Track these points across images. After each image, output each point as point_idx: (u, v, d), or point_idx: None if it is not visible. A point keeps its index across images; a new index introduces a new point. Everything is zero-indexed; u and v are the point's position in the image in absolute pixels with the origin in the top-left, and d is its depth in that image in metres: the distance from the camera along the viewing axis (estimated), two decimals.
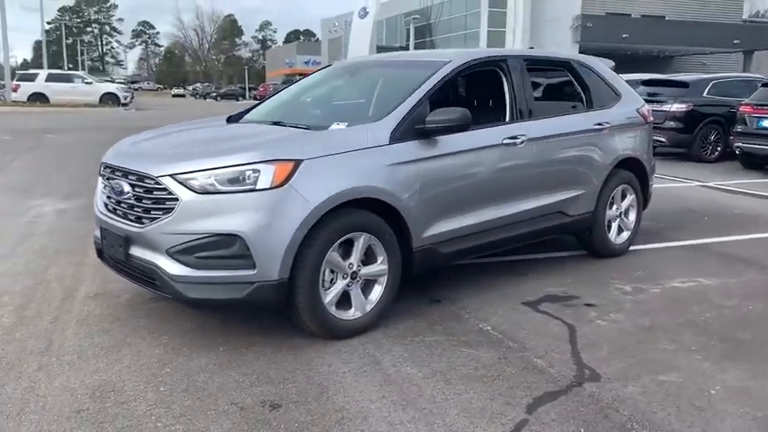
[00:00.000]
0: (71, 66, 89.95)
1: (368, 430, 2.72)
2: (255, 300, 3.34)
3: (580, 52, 36.91)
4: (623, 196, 5.42)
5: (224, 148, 3.64)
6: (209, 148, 3.72)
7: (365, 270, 3.70)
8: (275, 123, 4.28)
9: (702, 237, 6.14)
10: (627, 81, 13.20)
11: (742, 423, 2.81)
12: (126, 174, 3.61)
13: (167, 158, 3.53)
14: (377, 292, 3.78)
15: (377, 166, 3.67)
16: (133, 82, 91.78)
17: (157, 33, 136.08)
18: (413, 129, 3.87)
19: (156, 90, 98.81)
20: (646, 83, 13.18)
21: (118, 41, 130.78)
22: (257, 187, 3.30)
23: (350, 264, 3.62)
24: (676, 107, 12.08)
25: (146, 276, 3.49)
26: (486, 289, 4.51)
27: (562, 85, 5.23)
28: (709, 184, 9.66)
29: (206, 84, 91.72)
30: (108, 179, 3.79)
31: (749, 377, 3.24)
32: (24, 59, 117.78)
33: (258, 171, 3.32)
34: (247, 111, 4.90)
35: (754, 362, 3.42)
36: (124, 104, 30.31)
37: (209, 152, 3.55)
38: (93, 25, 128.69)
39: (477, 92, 5.16)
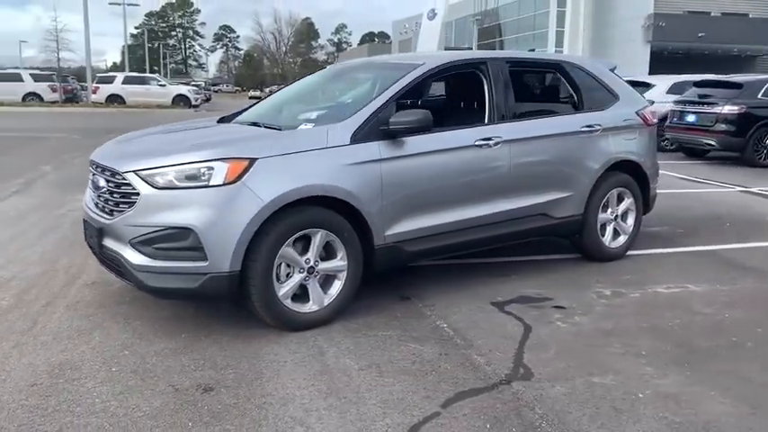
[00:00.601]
0: (155, 68, 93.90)
1: (283, 415, 2.87)
2: (209, 290, 3.54)
3: (652, 52, 35.84)
4: (620, 199, 5.34)
5: (186, 146, 3.86)
6: (174, 146, 3.96)
7: (323, 265, 3.85)
8: (253, 124, 4.48)
9: (714, 243, 5.96)
10: (678, 82, 12.85)
11: (655, 426, 2.79)
12: (103, 170, 3.90)
13: (134, 156, 3.79)
14: (336, 287, 3.92)
15: (335, 166, 3.81)
16: (214, 84, 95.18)
17: (237, 37, 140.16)
18: (378, 130, 3.99)
19: (235, 92, 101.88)
20: (697, 84, 12.74)
21: (200, 45, 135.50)
22: (211, 184, 3.51)
23: (307, 259, 3.77)
24: (728, 109, 11.61)
25: (115, 265, 3.76)
26: (461, 288, 4.57)
27: (551, 87, 5.22)
28: (753, 189, 9.27)
29: (282, 85, 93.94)
30: (92, 175, 4.09)
31: (687, 383, 3.19)
32: (114, 63, 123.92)
33: (212, 168, 3.52)
34: (240, 112, 5.13)
35: (699, 369, 3.36)
36: (194, 106, 31.54)
37: (171, 150, 3.78)
38: (178, 29, 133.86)
39: (455, 94, 5.22)
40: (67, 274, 4.86)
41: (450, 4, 49.91)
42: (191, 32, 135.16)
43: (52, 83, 30.56)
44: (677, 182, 9.95)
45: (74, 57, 76.75)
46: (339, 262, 3.89)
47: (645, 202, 5.54)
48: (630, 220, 5.44)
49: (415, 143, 4.12)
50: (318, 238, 3.78)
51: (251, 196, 3.52)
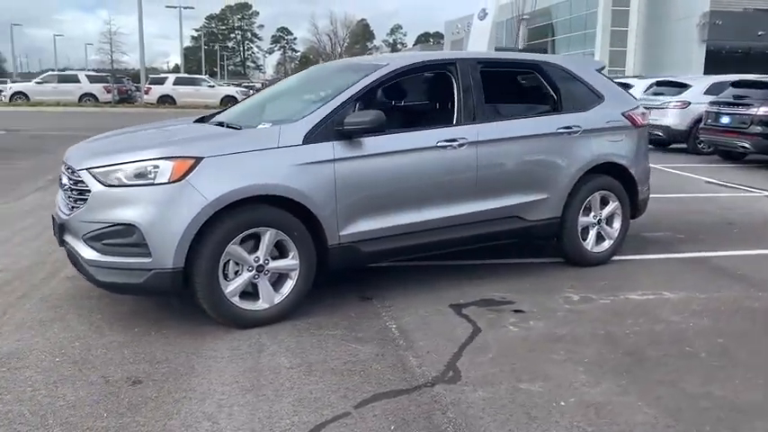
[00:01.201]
0: (215, 70, 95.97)
1: (196, 410, 2.92)
2: (153, 286, 3.63)
3: (708, 52, 34.56)
4: (604, 203, 5.21)
5: (138, 145, 3.97)
6: (129, 145, 4.06)
7: (273, 264, 3.89)
8: (219, 124, 4.56)
9: (713, 250, 5.75)
10: (717, 82, 12.40)
11: None
12: (67, 167, 4.04)
13: (91, 154, 3.92)
14: (288, 286, 3.95)
15: (284, 165, 3.84)
16: (272, 84, 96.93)
17: (294, 39, 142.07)
18: (334, 130, 4.01)
19: None
20: (734, 84, 12.27)
21: (258, 47, 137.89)
22: (156, 182, 3.60)
23: (256, 257, 3.82)
24: (763, 110, 11.14)
25: (73, 259, 3.89)
26: (426, 290, 4.54)
27: (528, 88, 5.13)
28: None
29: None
30: (62, 172, 4.24)
31: (617, 392, 3.10)
32: (176, 64, 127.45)
33: (158, 167, 3.61)
34: (219, 112, 5.22)
35: (638, 378, 3.25)
36: None
37: (124, 149, 3.89)
38: (237, 32, 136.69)
39: (428, 95, 5.18)
40: (52, 268, 5.05)
41: (500, 4, 49.43)
42: (249, 35, 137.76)
43: (107, 84, 31.67)
44: (701, 185, 9.61)
45: (135, 59, 79.15)
46: (291, 261, 3.93)
47: (633, 206, 5.37)
48: (616, 225, 5.30)
49: (373, 144, 4.12)
50: (267, 236, 3.82)
51: (194, 194, 3.59)
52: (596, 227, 5.19)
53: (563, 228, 5.00)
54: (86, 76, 32.52)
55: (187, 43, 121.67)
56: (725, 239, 6.16)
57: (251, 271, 3.83)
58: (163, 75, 36.20)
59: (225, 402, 2.98)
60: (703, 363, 3.45)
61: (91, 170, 3.71)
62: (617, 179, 5.23)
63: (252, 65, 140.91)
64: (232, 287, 3.77)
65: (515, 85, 5.30)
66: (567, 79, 5.08)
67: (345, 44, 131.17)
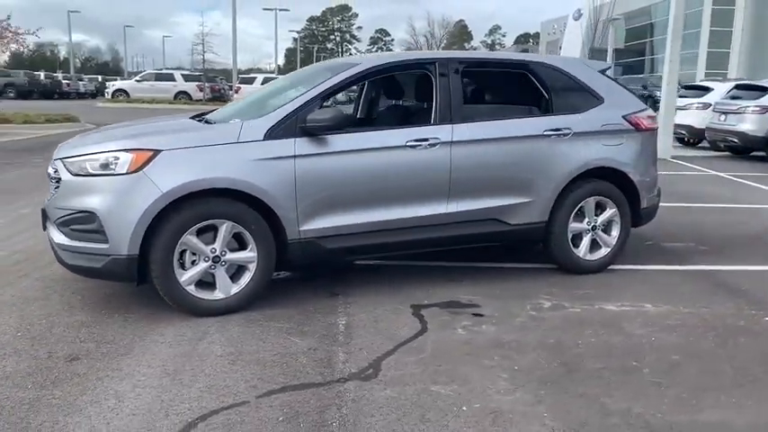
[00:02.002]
0: None
1: (111, 388, 3.07)
2: (111, 271, 3.84)
3: None
4: (600, 209, 5.00)
5: (108, 138, 4.18)
6: (101, 138, 4.28)
7: (231, 256, 4.02)
8: (200, 119, 4.73)
9: (727, 264, 5.41)
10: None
11: None
12: (54, 158, 4.34)
13: (69, 146, 4.18)
14: (246, 278, 4.07)
15: (242, 160, 3.96)
16: None
17: (392, 40, 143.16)
18: (298, 127, 4.09)
19: None
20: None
21: (356, 48, 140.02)
22: (116, 172, 3.81)
23: (213, 248, 3.96)
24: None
25: (51, 243, 4.17)
26: (395, 289, 4.55)
27: (515, 89, 4.99)
28: None
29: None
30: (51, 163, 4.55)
31: (528, 402, 3.01)
32: (278, 65, 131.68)
33: (118, 158, 3.82)
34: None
35: (559, 389, 3.14)
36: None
37: (94, 142, 4.13)
38: (336, 33, 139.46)
39: (402, 94, 5.14)
40: (44, 259, 5.15)
41: (597, 4, 47.85)
42: (348, 36, 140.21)
43: (200, 83, 33.22)
44: (758, 196, 8.99)
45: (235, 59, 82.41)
46: (249, 253, 4.04)
47: (635, 213, 5.13)
48: (614, 232, 5.08)
49: (338, 142, 4.17)
50: (224, 229, 3.95)
51: (150, 185, 3.77)
52: (590, 233, 4.99)
53: (550, 233, 4.85)
54: (182, 75, 34.24)
55: (290, 45, 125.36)
56: (748, 254, 5.76)
57: (207, 261, 3.97)
58: (252, 75, 37.51)
59: (140, 383, 3.12)
60: (641, 379, 3.27)
61: (63, 160, 3.98)
62: (616, 185, 5.01)
63: None
64: (187, 276, 3.93)
65: (502, 85, 5.17)
66: (561, 80, 4.91)
67: (442, 45, 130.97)
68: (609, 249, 5.07)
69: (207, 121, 4.58)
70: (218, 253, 3.98)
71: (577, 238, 4.98)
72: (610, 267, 5.14)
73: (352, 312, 4.12)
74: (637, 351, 3.61)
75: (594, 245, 5.05)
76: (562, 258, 4.95)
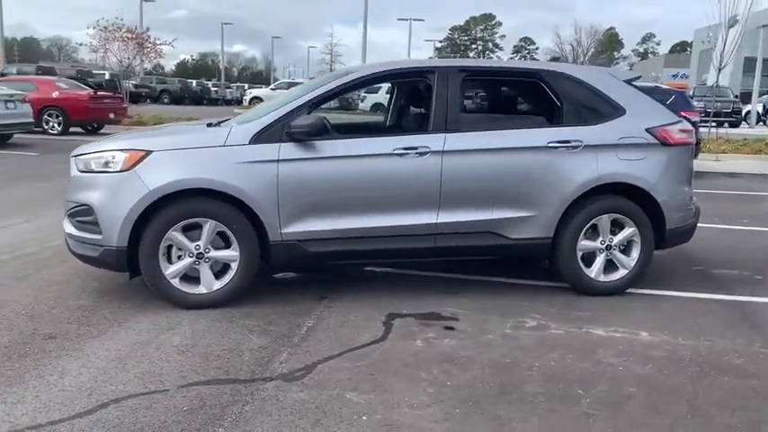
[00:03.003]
0: None
1: (59, 365, 3.34)
2: (104, 260, 4.19)
3: None
4: (618, 227, 4.70)
5: (116, 139, 4.52)
6: (113, 139, 4.63)
7: (214, 253, 4.23)
8: (217, 124, 4.98)
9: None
10: None
11: None
12: None
13: (84, 146, 4.58)
14: (229, 275, 4.27)
15: (226, 163, 4.16)
16: None
17: (536, 49, 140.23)
18: (285, 133, 4.24)
19: None
20: None
21: (498, 57, 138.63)
22: (111, 170, 4.14)
23: (197, 245, 4.19)
24: None
25: (64, 233, 4.60)
26: (385, 296, 4.55)
27: (522, 98, 4.80)
28: None
29: None
30: None
31: (435, 419, 2.92)
32: None
33: (115, 157, 4.16)
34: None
35: (474, 410, 3.02)
36: None
37: (104, 142, 4.49)
38: (478, 42, 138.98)
39: (410, 102, 5.08)
40: (59, 250, 5.65)
41: (755, 10, 44.15)
42: (490, 45, 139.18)
43: None
44: None
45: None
46: (231, 252, 4.23)
47: (659, 235, 4.76)
48: (634, 254, 4.74)
49: (324, 147, 4.27)
50: (207, 227, 4.17)
51: (139, 183, 4.06)
52: (604, 253, 4.69)
53: (557, 250, 4.63)
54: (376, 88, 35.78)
55: (431, 54, 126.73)
56: None
57: (192, 257, 4.20)
58: (377, 85, 38.28)
59: (88, 364, 3.38)
60: (574, 408, 3.06)
61: (75, 158, 4.38)
62: (637, 203, 4.68)
63: None
64: (172, 269, 4.18)
65: (509, 95, 4.99)
66: (576, 90, 4.66)
67: (589, 53, 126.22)
68: (627, 271, 4.73)
69: (210, 125, 4.82)
70: (201, 250, 4.20)
71: (590, 257, 4.70)
72: (631, 291, 4.81)
73: (324, 316, 4.18)
74: (592, 380, 3.37)
75: (611, 265, 4.74)
76: (571, 278, 4.70)
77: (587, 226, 4.62)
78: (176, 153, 4.18)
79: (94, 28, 20.68)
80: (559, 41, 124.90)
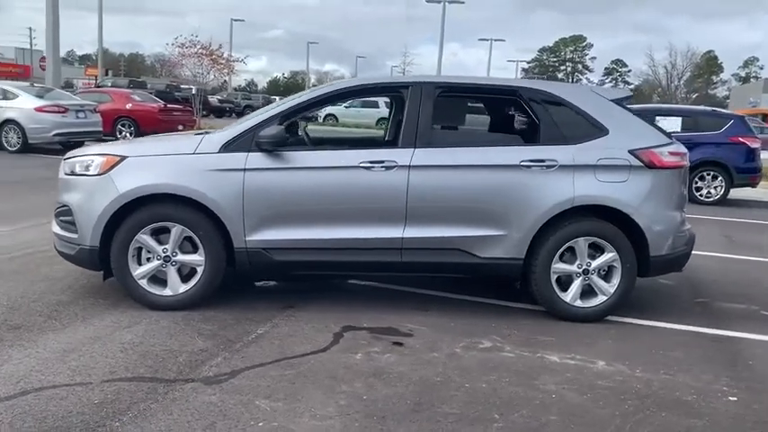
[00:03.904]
0: None
1: (5, 355, 3.53)
2: (79, 258, 4.41)
3: None
4: (597, 251, 4.52)
5: (104, 145, 4.75)
6: (104, 144, 4.87)
7: (180, 257, 4.38)
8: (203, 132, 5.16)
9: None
10: None
11: None
12: None
13: (76, 150, 4.85)
14: (195, 279, 4.40)
15: (195, 170, 4.30)
16: None
17: (628, 71, 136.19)
18: (254, 142, 4.35)
19: None
20: None
21: (588, 79, 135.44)
22: (90, 173, 4.37)
23: (164, 248, 4.35)
24: None
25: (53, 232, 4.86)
26: (349, 309, 4.56)
27: (498, 116, 4.70)
28: None
29: None
30: None
31: (327, 430, 2.91)
32: None
33: (94, 161, 4.38)
34: None
35: (374, 424, 2.98)
36: None
37: (90, 147, 4.73)
38: (567, 64, 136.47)
39: (390, 116, 5.06)
40: None
41: None
42: (580, 66, 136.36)
43: None
44: None
45: None
46: (197, 257, 4.36)
47: (643, 261, 4.54)
48: (615, 280, 4.54)
49: (291, 158, 4.35)
50: (174, 231, 4.32)
51: (111, 186, 4.27)
52: (580, 277, 4.52)
53: (529, 272, 4.50)
54: (384, 102, 36.09)
55: (519, 75, 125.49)
56: None
57: (159, 260, 4.36)
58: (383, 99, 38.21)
59: (32, 354, 3.56)
60: (459, 428, 2.96)
61: (65, 161, 4.65)
62: (620, 227, 4.49)
63: None
64: (140, 271, 4.35)
65: (485, 112, 4.89)
66: (555, 109, 4.53)
67: (685, 77, 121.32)
68: (606, 298, 4.54)
69: (198, 133, 5.00)
70: (169, 253, 4.34)
71: (567, 281, 4.54)
72: (612, 318, 4.61)
73: (280, 324, 4.23)
74: (516, 405, 3.25)
75: (590, 291, 4.56)
76: (544, 301, 4.56)
77: (562, 248, 4.47)
78: (148, 159, 4.37)
79: (172, 44, 21.77)
80: (652, 64, 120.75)
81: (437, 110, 4.50)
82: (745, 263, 6.98)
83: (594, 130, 4.52)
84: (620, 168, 4.46)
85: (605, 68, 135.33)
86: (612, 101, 4.68)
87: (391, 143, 4.56)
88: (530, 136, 4.58)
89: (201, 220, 4.31)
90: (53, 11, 15.97)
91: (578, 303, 4.54)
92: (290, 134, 4.88)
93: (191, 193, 4.25)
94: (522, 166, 4.39)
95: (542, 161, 4.41)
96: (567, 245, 4.47)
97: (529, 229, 4.41)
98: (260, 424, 2.93)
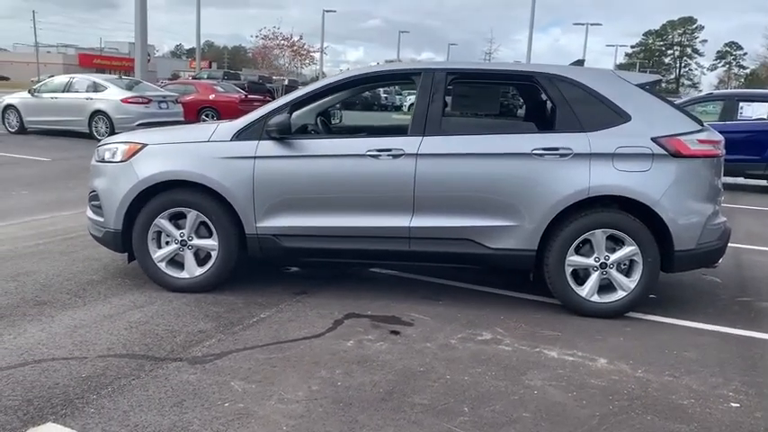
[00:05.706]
0: None
1: (18, 328, 3.78)
2: (106, 241, 4.66)
3: None
4: (617, 244, 4.32)
5: (131, 133, 4.98)
6: (132, 132, 5.09)
7: (196, 241, 4.54)
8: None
9: None
10: None
11: (153, 420, 2.83)
12: None
13: (107, 138, 5.10)
14: (210, 263, 4.56)
15: (208, 157, 4.44)
16: None
17: (744, 54, 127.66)
18: (266, 131, 4.44)
19: None
20: None
21: (697, 63, 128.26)
22: (115, 160, 4.61)
23: (182, 233, 4.53)
24: None
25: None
26: (361, 297, 4.59)
27: (513, 102, 4.54)
28: None
29: None
30: None
31: (291, 415, 2.94)
32: None
33: (118, 149, 4.62)
34: None
35: (339, 410, 2.98)
36: None
37: (118, 135, 4.97)
38: (675, 47, 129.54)
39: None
40: None
41: None
42: (689, 50, 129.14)
43: None
44: None
45: None
46: (211, 241, 4.52)
47: (667, 256, 4.29)
48: (635, 275, 4.32)
49: (301, 146, 4.41)
50: (190, 216, 4.49)
51: (132, 173, 4.48)
52: (597, 271, 4.33)
53: (543, 264, 4.36)
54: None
55: (621, 60, 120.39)
56: None
57: (177, 244, 4.54)
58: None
59: (46, 329, 3.81)
60: (440, 424, 2.90)
61: (96, 149, 4.92)
62: (642, 219, 4.26)
63: (687, 82, 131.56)
64: (159, 254, 4.55)
65: (500, 99, 4.71)
66: (573, 95, 4.33)
67: None
68: (625, 293, 4.33)
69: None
70: (185, 237, 4.52)
71: (579, 274, 4.37)
72: (632, 315, 4.40)
73: (285, 309, 4.31)
74: (492, 399, 3.17)
75: (608, 286, 4.36)
76: (557, 295, 4.40)
77: (578, 240, 4.29)
78: (166, 147, 4.55)
79: (256, 36, 22.38)
80: None
81: (449, 97, 4.41)
82: None
83: (615, 116, 4.30)
84: (642, 157, 4.22)
85: (717, 52, 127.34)
86: (638, 85, 4.42)
87: (401, 131, 4.51)
88: (545, 123, 4.42)
89: (215, 206, 4.44)
90: (141, 9, 16.81)
91: (595, 298, 4.35)
92: (321, 123, 4.96)
93: (204, 179, 4.39)
94: (535, 154, 4.24)
95: (556, 149, 4.24)
96: (583, 237, 4.29)
97: (541, 219, 4.26)
98: (226, 404, 3.01)
